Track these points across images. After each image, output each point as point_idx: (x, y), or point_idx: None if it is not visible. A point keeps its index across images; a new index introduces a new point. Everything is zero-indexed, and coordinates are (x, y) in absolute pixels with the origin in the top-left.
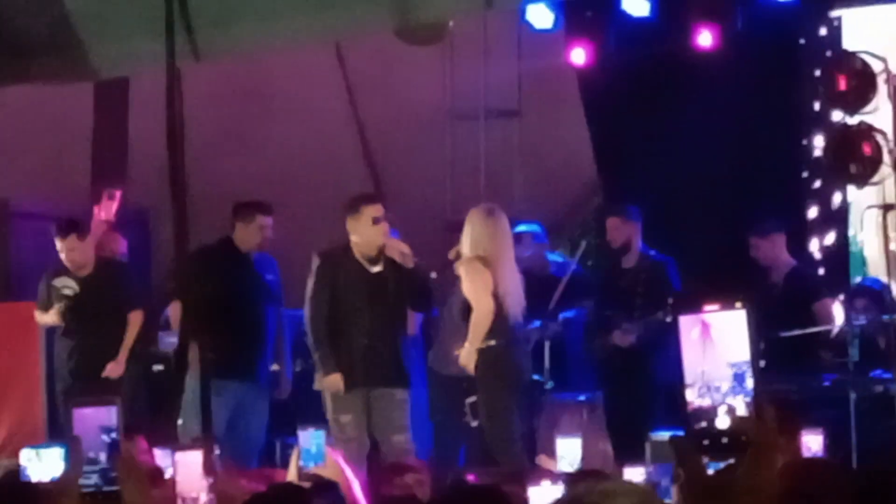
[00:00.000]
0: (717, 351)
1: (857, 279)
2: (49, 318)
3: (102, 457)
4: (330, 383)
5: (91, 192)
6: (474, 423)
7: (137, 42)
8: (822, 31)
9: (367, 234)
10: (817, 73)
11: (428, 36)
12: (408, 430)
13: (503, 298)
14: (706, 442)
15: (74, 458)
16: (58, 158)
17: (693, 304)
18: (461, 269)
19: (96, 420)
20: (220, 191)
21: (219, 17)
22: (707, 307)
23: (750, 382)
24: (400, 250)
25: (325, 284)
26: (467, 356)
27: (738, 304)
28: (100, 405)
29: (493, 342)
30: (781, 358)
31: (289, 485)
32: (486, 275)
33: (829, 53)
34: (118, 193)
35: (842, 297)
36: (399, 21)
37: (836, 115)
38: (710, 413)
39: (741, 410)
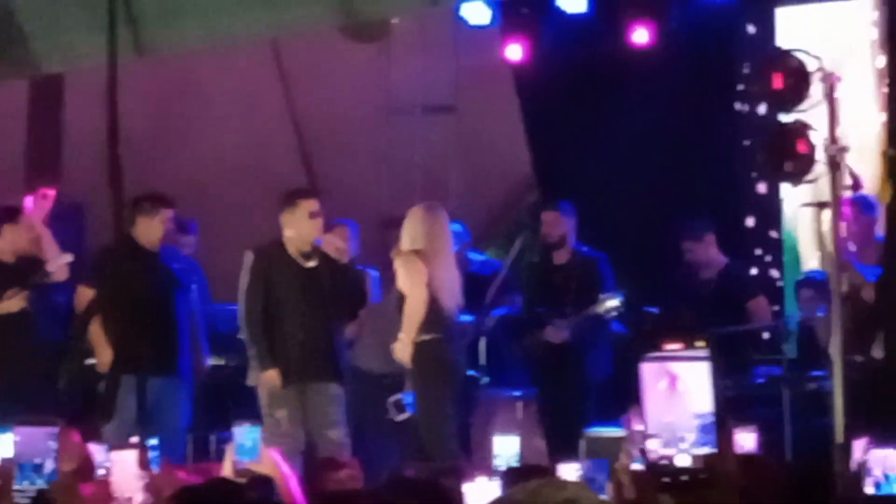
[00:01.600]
0: (683, 403)
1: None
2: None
3: (49, 463)
4: (267, 379)
5: (25, 188)
6: (398, 419)
7: (80, 36)
8: (757, 29)
9: (302, 228)
10: (750, 70)
11: (371, 33)
12: (342, 425)
13: (438, 292)
14: (666, 479)
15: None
16: None
17: (653, 343)
18: (397, 263)
19: (41, 432)
20: (156, 186)
21: (162, 12)
22: (668, 346)
23: (712, 431)
24: (335, 245)
25: (259, 280)
26: (402, 349)
27: (701, 343)
28: (43, 426)
29: (429, 336)
30: (723, 354)
31: (223, 479)
32: (421, 267)
33: (764, 51)
34: (52, 193)
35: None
36: (343, 18)
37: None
38: (669, 459)
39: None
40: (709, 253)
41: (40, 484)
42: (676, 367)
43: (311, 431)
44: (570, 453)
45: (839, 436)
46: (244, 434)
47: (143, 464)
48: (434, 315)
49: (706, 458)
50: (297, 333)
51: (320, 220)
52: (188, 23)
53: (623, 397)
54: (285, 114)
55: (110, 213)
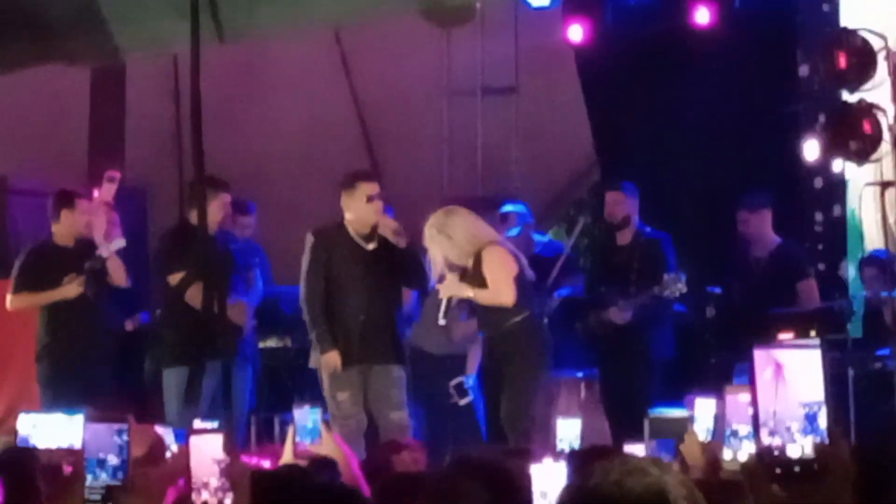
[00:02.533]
0: (789, 391)
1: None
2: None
3: (113, 458)
4: (328, 361)
5: (89, 172)
6: (461, 402)
7: (161, 23)
8: (821, 9)
9: (361, 211)
10: (815, 50)
11: (456, 16)
12: (405, 406)
13: (524, 272)
14: (778, 470)
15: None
16: (55, 136)
17: (767, 332)
18: (487, 254)
19: (108, 429)
20: (218, 170)
21: None
22: (781, 336)
23: (823, 420)
24: (392, 229)
25: (319, 262)
26: (454, 289)
27: (813, 333)
28: (112, 421)
29: (527, 313)
30: (775, 334)
31: (293, 464)
32: (513, 261)
33: (828, 31)
34: (118, 175)
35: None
36: (427, 2)
37: (837, 93)
38: (780, 449)
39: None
40: (762, 228)
41: (105, 479)
42: (781, 354)
43: (374, 413)
44: (633, 434)
45: None
46: (304, 415)
47: (228, 448)
48: (526, 295)
49: (818, 448)
50: (358, 315)
51: (379, 203)
52: (269, 9)
53: (685, 378)
54: (347, 96)
55: (174, 197)
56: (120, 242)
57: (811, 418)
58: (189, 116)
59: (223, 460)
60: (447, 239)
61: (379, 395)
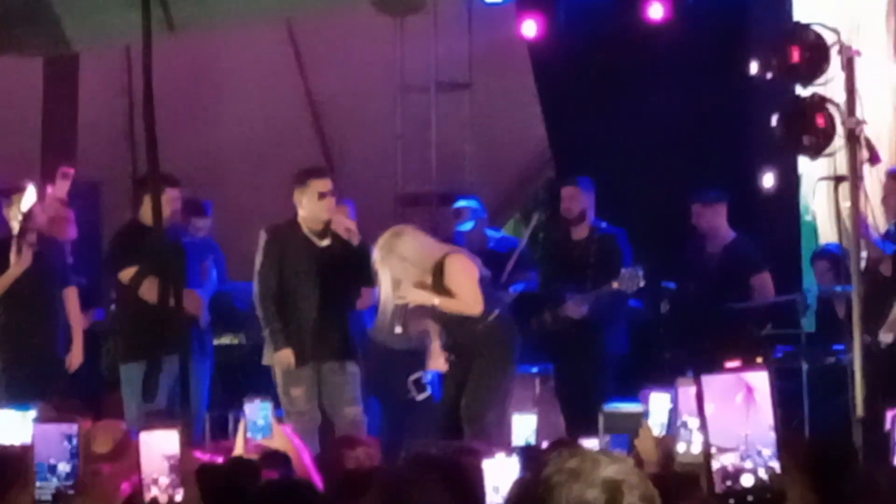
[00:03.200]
0: (760, 415)
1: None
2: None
3: (63, 466)
4: (281, 358)
5: (42, 167)
6: (419, 398)
7: (111, 14)
8: (773, 3)
9: (313, 207)
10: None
11: (406, 6)
12: (359, 402)
13: (483, 273)
14: (731, 501)
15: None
16: (8, 132)
17: (714, 362)
18: (450, 264)
19: (58, 430)
20: (171, 167)
21: None
22: (729, 364)
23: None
24: (345, 226)
25: (272, 259)
26: (418, 297)
27: (759, 361)
28: (61, 422)
29: (496, 312)
30: (729, 329)
31: (242, 458)
32: (474, 266)
33: (781, 25)
34: (71, 172)
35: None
36: None
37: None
38: (735, 474)
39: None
40: (715, 221)
41: (56, 483)
42: (752, 377)
43: (328, 409)
44: (588, 429)
45: (859, 409)
46: (256, 410)
47: (186, 443)
48: (487, 296)
49: (775, 476)
50: (311, 312)
51: (331, 199)
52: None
53: (640, 373)
54: (301, 92)
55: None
56: (31, 193)
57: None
58: (142, 109)
59: (173, 456)
60: (400, 261)
61: (333, 391)
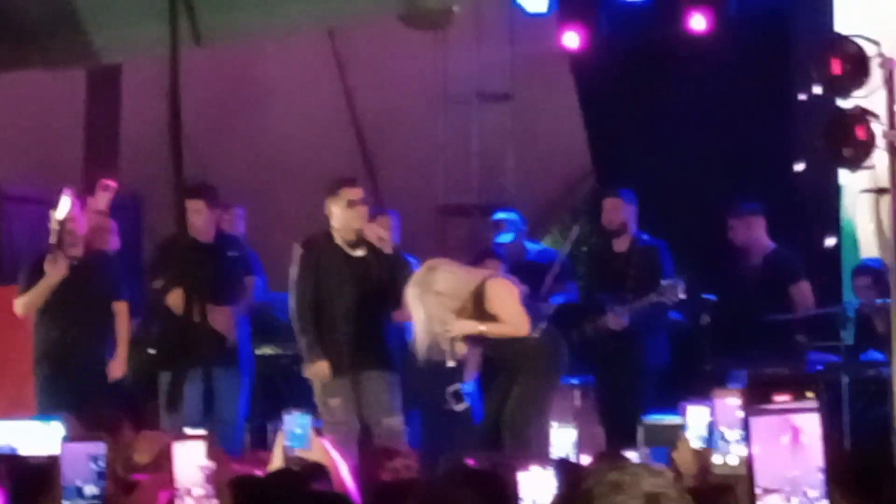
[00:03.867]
0: (808, 456)
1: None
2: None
3: (90, 489)
4: (317, 371)
5: (84, 180)
6: (457, 409)
7: (139, 26)
8: (815, 15)
9: (344, 217)
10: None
11: (432, 21)
12: (399, 412)
13: (523, 292)
14: None
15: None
16: (51, 143)
17: (763, 395)
18: (491, 288)
19: (84, 451)
20: (214, 177)
21: (221, 1)
22: (778, 398)
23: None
24: (378, 234)
25: (308, 271)
26: (465, 328)
27: (811, 395)
28: (88, 440)
29: (543, 326)
30: (769, 340)
31: (286, 470)
32: (515, 287)
33: (822, 37)
34: (114, 185)
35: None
36: (404, 6)
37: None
38: None
39: None
40: (750, 234)
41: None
42: (799, 419)
43: (368, 420)
44: (627, 441)
45: None
46: (294, 422)
47: (212, 455)
48: (531, 315)
49: None
50: (348, 323)
51: (362, 208)
52: (246, 12)
53: (680, 385)
54: (342, 103)
55: (169, 204)
56: (66, 202)
57: (826, 484)
58: (168, 121)
59: (208, 467)
60: (436, 296)
61: (371, 401)
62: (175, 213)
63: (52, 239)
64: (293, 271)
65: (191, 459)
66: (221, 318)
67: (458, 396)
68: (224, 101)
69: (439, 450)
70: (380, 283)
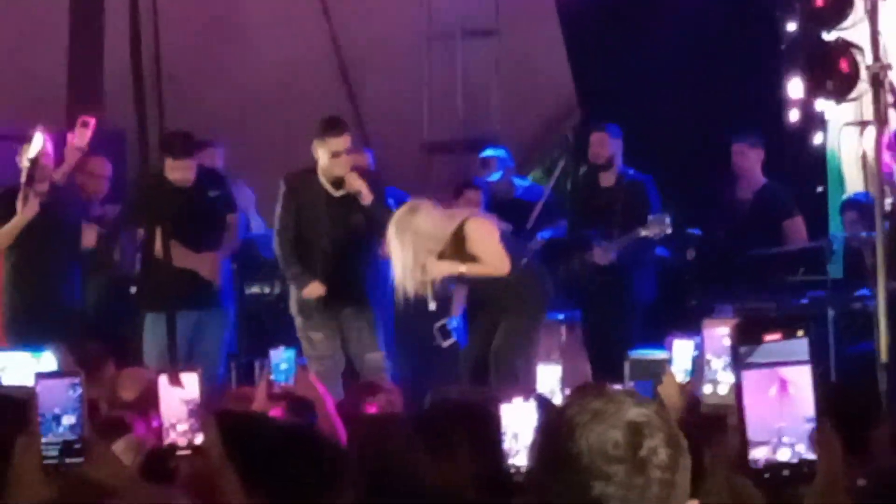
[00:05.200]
0: (795, 407)
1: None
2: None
3: (69, 418)
4: (311, 291)
5: (67, 114)
6: (444, 345)
7: None
8: None
9: (327, 163)
10: None
11: None
12: (381, 347)
13: (504, 229)
14: (767, 475)
15: (32, 419)
16: (31, 78)
17: (753, 333)
18: (470, 229)
19: (62, 383)
20: (195, 112)
21: None
22: (768, 337)
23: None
24: (356, 188)
25: (289, 208)
26: (444, 270)
27: (800, 333)
28: (64, 377)
29: (525, 260)
30: (755, 275)
31: (259, 413)
32: (493, 226)
33: None
34: (93, 121)
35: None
36: None
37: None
38: (767, 464)
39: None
40: (755, 165)
41: (63, 433)
42: (787, 371)
43: (351, 356)
44: (614, 376)
45: (884, 355)
46: (280, 356)
47: (176, 382)
48: (512, 252)
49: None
50: (327, 259)
51: (346, 158)
52: None
53: (666, 320)
54: (325, 38)
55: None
56: (38, 140)
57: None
58: (130, 51)
59: (192, 401)
60: (413, 235)
61: (353, 336)
62: (141, 157)
63: (23, 177)
64: (277, 207)
65: (176, 393)
66: (206, 265)
67: (445, 332)
68: (205, 40)
69: (426, 385)
70: (359, 223)
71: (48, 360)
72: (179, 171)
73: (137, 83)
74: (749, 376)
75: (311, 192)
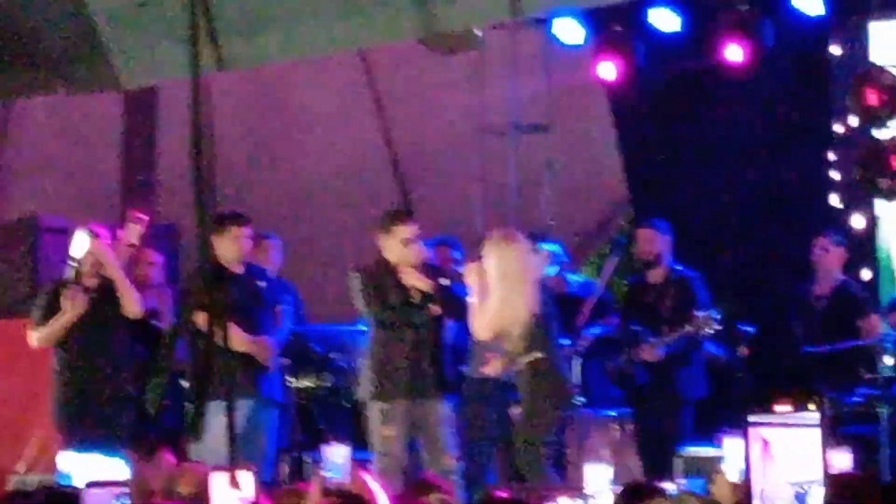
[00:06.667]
0: (777, 470)
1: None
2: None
3: None
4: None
5: (122, 208)
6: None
7: (161, 51)
8: (850, 46)
9: (400, 253)
10: (844, 87)
11: (456, 44)
12: (453, 448)
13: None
14: None
15: None
16: (87, 172)
17: (763, 404)
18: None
19: (110, 493)
20: (248, 205)
21: (242, 24)
22: (778, 408)
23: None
24: (414, 285)
25: (371, 297)
26: (500, 367)
27: (812, 406)
28: (113, 486)
29: (540, 355)
30: (823, 373)
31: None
32: (485, 282)
33: (858, 68)
34: (144, 218)
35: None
36: (423, 29)
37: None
38: None
39: None
40: (835, 264)
41: None
42: (767, 432)
43: (424, 452)
44: (665, 472)
45: None
46: (334, 453)
47: (235, 483)
48: (539, 336)
49: None
50: (406, 348)
51: (417, 245)
52: (267, 35)
53: (719, 417)
54: (377, 131)
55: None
56: (83, 238)
57: (800, 498)
58: (190, 149)
59: (247, 500)
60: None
61: (427, 434)
62: (199, 243)
63: (69, 275)
64: (359, 300)
65: (229, 491)
66: (262, 350)
67: None
68: (258, 129)
69: (483, 477)
70: (434, 313)
71: (118, 465)
72: (240, 241)
73: (197, 170)
74: (749, 434)
75: (387, 282)
